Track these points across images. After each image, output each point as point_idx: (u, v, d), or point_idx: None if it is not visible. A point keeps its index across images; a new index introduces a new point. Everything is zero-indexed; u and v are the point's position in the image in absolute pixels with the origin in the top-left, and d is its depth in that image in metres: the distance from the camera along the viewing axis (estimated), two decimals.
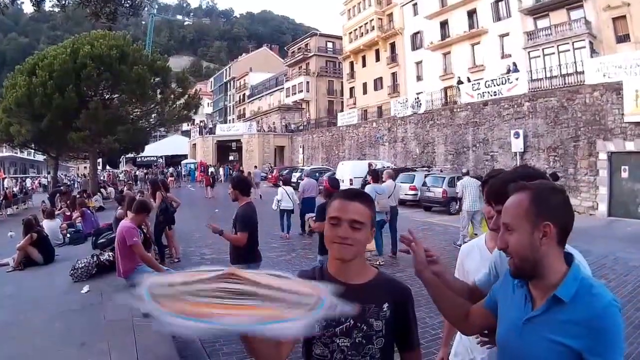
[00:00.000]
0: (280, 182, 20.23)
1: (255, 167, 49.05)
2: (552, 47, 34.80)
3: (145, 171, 59.25)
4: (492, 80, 33.12)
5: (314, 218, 9.06)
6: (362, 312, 2.21)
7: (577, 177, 24.61)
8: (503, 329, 2.11)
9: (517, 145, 27.95)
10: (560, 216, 1.98)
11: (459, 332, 2.99)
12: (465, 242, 3.18)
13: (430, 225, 19.47)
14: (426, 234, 17.69)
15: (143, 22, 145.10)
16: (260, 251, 7.07)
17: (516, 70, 34.41)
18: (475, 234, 14.37)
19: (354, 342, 2.23)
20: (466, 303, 2.41)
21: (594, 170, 23.82)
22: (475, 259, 2.97)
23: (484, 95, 32.37)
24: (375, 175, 13.76)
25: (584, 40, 33.11)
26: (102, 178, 50.67)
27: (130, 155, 61.25)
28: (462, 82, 38.75)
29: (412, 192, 26.70)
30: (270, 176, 46.18)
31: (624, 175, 22.58)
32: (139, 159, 71.53)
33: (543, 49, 35.41)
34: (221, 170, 54.27)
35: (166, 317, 1.51)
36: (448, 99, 39.08)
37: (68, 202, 21.90)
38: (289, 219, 17.18)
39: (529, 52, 36.44)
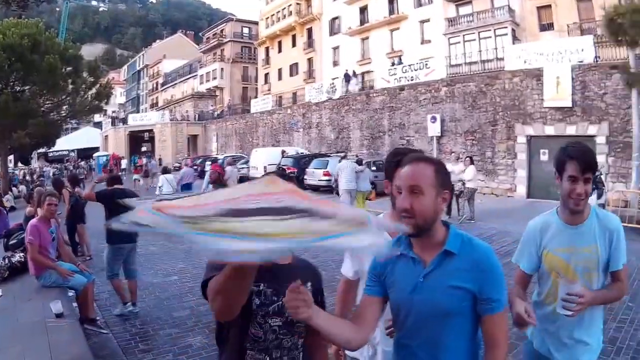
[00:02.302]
0: (160, 171, 22.07)
1: (151, 158, 48.36)
2: (473, 33, 34.55)
3: (57, 167, 56.71)
4: (409, 65, 33.06)
5: None
6: None
7: (494, 161, 24.96)
8: (398, 293, 2.30)
9: (434, 129, 27.85)
10: (451, 186, 2.43)
11: None
12: None
13: None
14: None
15: (57, 9, 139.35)
16: (174, 243, 7.88)
17: (400, 63, 35.14)
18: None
19: (286, 320, 2.27)
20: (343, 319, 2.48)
21: (512, 154, 24.22)
22: None
23: (400, 81, 32.19)
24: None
25: (506, 27, 33.01)
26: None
27: (42, 150, 58.52)
28: (349, 75, 39.18)
29: (326, 178, 25.81)
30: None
31: (544, 158, 22.90)
32: (51, 153, 68.70)
33: (464, 35, 35.10)
34: (153, 161, 51.85)
35: (204, 238, 1.33)
36: (364, 84, 38.49)
37: None
38: None
39: (449, 38, 36.06)
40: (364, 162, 19.20)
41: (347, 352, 3.11)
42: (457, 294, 2.13)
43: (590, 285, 2.88)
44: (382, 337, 2.85)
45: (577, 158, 2.78)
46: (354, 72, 40.10)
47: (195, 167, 35.10)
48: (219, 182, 9.04)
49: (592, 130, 21.26)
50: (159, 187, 18.75)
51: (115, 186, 8.39)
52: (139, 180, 34.55)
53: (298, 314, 1.94)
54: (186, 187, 19.35)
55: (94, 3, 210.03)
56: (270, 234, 1.33)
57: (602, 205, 14.11)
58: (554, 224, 3.01)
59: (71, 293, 7.48)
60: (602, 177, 16.36)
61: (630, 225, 13.46)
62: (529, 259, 3.12)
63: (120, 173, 36.75)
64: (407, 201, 2.16)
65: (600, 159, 20.25)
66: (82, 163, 59.39)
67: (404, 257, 2.30)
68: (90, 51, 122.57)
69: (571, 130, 21.94)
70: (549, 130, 22.78)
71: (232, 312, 1.99)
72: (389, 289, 2.34)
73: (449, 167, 17.30)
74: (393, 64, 35.84)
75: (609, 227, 2.87)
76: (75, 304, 7.32)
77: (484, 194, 23.86)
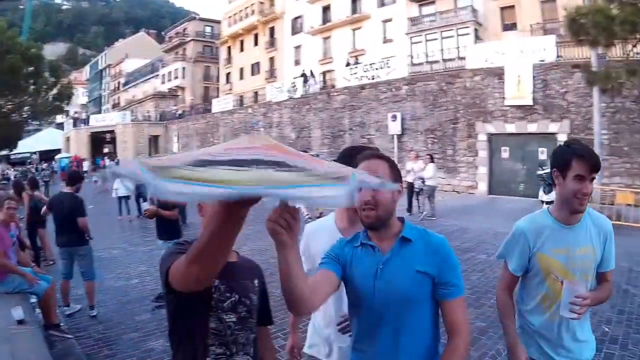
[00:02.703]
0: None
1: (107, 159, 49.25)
2: (436, 33, 34.69)
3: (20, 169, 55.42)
4: (370, 64, 33.00)
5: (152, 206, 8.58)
6: (245, 287, 2.35)
7: (455, 158, 25.10)
8: (359, 280, 2.33)
9: (395, 127, 27.78)
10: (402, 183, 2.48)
11: (313, 324, 3.10)
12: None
13: None
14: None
15: (21, 7, 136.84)
16: (135, 246, 9.23)
17: (357, 63, 35.77)
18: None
19: (240, 317, 2.30)
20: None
21: (473, 151, 24.37)
22: (324, 240, 2.81)
23: (361, 80, 32.16)
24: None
25: (468, 27, 33.31)
26: None
27: (3, 152, 57.02)
28: (306, 76, 39.44)
29: None
30: None
31: (505, 155, 23.37)
32: (13, 156, 66.76)
33: (426, 35, 35.22)
34: (110, 162, 50.82)
35: (165, 183, 1.34)
36: (326, 83, 38.34)
37: None
38: (127, 204, 19.71)
39: (411, 38, 36.12)
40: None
41: (304, 350, 3.15)
42: (417, 278, 2.21)
43: (586, 287, 2.82)
44: (336, 335, 2.84)
45: (586, 157, 2.69)
46: (311, 72, 40.04)
47: None
48: None
49: (553, 128, 21.52)
50: (115, 190, 19.45)
51: (69, 189, 8.22)
52: (97, 182, 33.73)
53: (276, 233, 1.78)
54: (141, 186, 19.84)
55: (57, 1, 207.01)
56: (227, 181, 1.32)
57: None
58: (548, 224, 2.90)
59: (33, 299, 7.24)
60: None
61: None
62: (518, 261, 2.97)
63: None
64: (368, 193, 2.23)
65: None
66: (44, 165, 57.86)
67: (362, 246, 2.38)
68: (53, 50, 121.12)
69: (532, 128, 22.23)
70: (510, 128, 22.99)
71: (213, 273, 1.89)
72: (350, 278, 2.37)
73: (409, 165, 17.36)
74: (348, 64, 36.38)
75: (603, 228, 2.86)
76: (38, 310, 7.04)
77: (445, 191, 24.04)
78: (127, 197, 19.53)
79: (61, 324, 7.05)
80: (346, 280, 2.36)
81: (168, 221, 8.25)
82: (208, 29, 74.56)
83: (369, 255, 2.34)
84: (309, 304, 2.12)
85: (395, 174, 2.36)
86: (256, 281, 2.46)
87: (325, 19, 46.82)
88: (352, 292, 2.37)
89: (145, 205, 9.39)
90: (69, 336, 6.75)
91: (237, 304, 2.28)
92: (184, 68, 71.34)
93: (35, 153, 68.10)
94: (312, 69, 41.98)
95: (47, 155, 66.53)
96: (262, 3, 56.18)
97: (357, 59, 37.18)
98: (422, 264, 2.22)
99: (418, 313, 2.25)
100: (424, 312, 2.26)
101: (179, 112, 63.76)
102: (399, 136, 27.67)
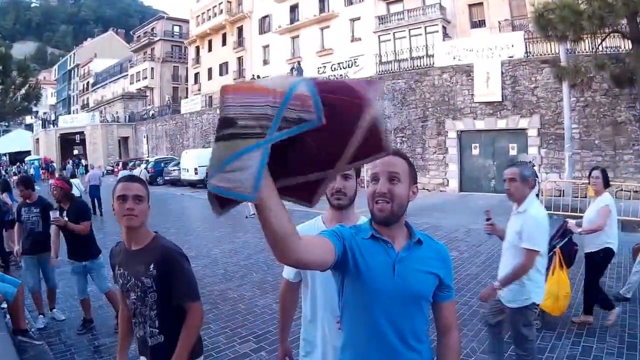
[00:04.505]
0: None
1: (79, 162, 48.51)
2: (404, 31, 34.74)
3: None
4: (338, 63, 33.05)
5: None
6: (137, 272, 2.87)
7: (425, 157, 25.17)
8: (374, 273, 2.24)
9: None
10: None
11: (305, 330, 3.02)
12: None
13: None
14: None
15: None
16: (106, 249, 6.10)
17: (299, 68, 36.79)
18: None
19: (137, 295, 2.89)
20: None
21: (443, 149, 24.48)
22: None
23: (330, 79, 31.14)
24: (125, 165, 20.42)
25: (437, 25, 33.39)
26: None
27: None
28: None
29: None
30: (116, 169, 43.69)
31: (475, 152, 23.53)
32: None
33: (394, 33, 35.24)
34: (68, 166, 49.75)
35: None
36: None
37: None
38: None
39: (379, 36, 36.11)
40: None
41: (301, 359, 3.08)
42: (430, 279, 2.28)
43: None
44: (335, 335, 2.74)
45: None
46: (258, 76, 40.12)
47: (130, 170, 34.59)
48: (64, 199, 7.13)
49: (523, 123, 21.67)
50: None
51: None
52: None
53: None
54: (93, 188, 20.69)
55: None
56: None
57: (536, 196, 14.61)
58: None
59: (3, 305, 7.07)
60: (535, 168, 17.13)
61: (565, 213, 13.95)
62: None
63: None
64: (385, 186, 2.23)
65: (532, 151, 21.03)
66: (14, 168, 56.04)
67: (373, 239, 2.29)
68: (22, 49, 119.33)
69: (502, 124, 22.39)
70: (480, 124, 23.08)
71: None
72: (361, 269, 2.23)
73: None
74: (292, 69, 37.07)
75: None
76: (8, 316, 6.95)
77: None
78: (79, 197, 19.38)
79: (31, 330, 6.85)
80: (354, 270, 2.22)
81: (78, 236, 7.02)
82: (176, 29, 73.79)
83: (382, 249, 2.28)
84: (296, 247, 1.88)
85: (414, 173, 2.34)
86: (152, 265, 2.83)
87: (293, 19, 46.63)
88: (361, 286, 2.26)
89: (55, 213, 7.79)
90: (38, 342, 6.55)
91: (134, 286, 2.88)
92: (152, 68, 70.39)
93: (5, 155, 67.21)
94: (285, 67, 41.94)
95: (17, 157, 65.56)
96: (229, 2, 55.65)
97: (299, 64, 37.94)
98: (433, 266, 2.28)
99: (423, 311, 2.30)
100: (426, 311, 2.32)
101: (151, 112, 62.99)
102: None
